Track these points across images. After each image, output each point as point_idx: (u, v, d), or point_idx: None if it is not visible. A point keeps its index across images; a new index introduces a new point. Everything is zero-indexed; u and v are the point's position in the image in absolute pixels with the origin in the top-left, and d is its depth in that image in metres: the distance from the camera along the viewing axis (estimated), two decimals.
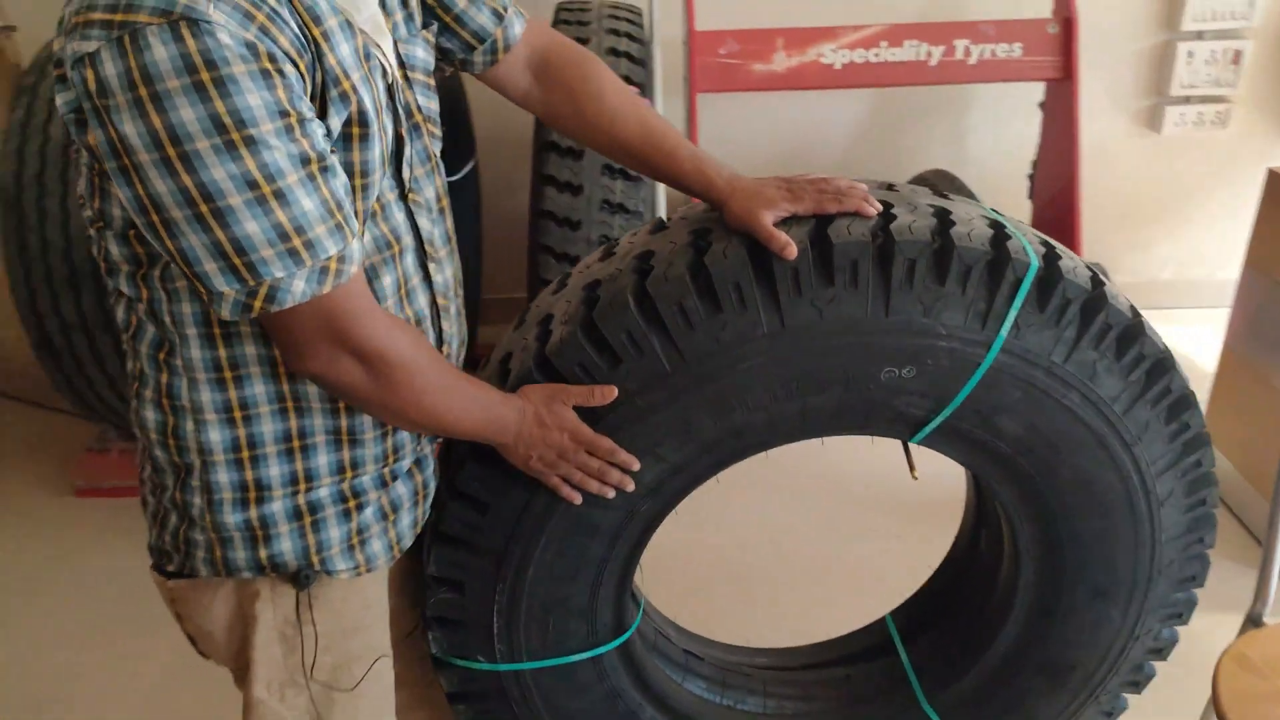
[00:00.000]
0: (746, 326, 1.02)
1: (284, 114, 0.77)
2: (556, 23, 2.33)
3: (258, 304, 0.82)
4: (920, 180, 2.86)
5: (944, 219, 1.05)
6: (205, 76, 0.73)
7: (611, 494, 1.07)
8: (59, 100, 0.79)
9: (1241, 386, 2.20)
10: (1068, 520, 1.17)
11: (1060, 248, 1.12)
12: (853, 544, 2.25)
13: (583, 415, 1.04)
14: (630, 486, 1.07)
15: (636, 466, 1.06)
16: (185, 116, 0.74)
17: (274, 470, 0.96)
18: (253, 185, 0.77)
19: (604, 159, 2.04)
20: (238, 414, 0.94)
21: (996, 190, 2.99)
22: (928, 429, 1.11)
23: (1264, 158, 2.92)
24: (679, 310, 1.01)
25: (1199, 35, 2.91)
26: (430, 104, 1.02)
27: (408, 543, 1.08)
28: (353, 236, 0.85)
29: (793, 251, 1.00)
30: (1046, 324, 1.04)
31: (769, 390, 1.05)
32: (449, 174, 2.69)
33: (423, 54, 1.01)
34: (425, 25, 1.03)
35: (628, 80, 2.14)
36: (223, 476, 0.95)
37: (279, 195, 0.78)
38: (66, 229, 2.07)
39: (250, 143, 0.76)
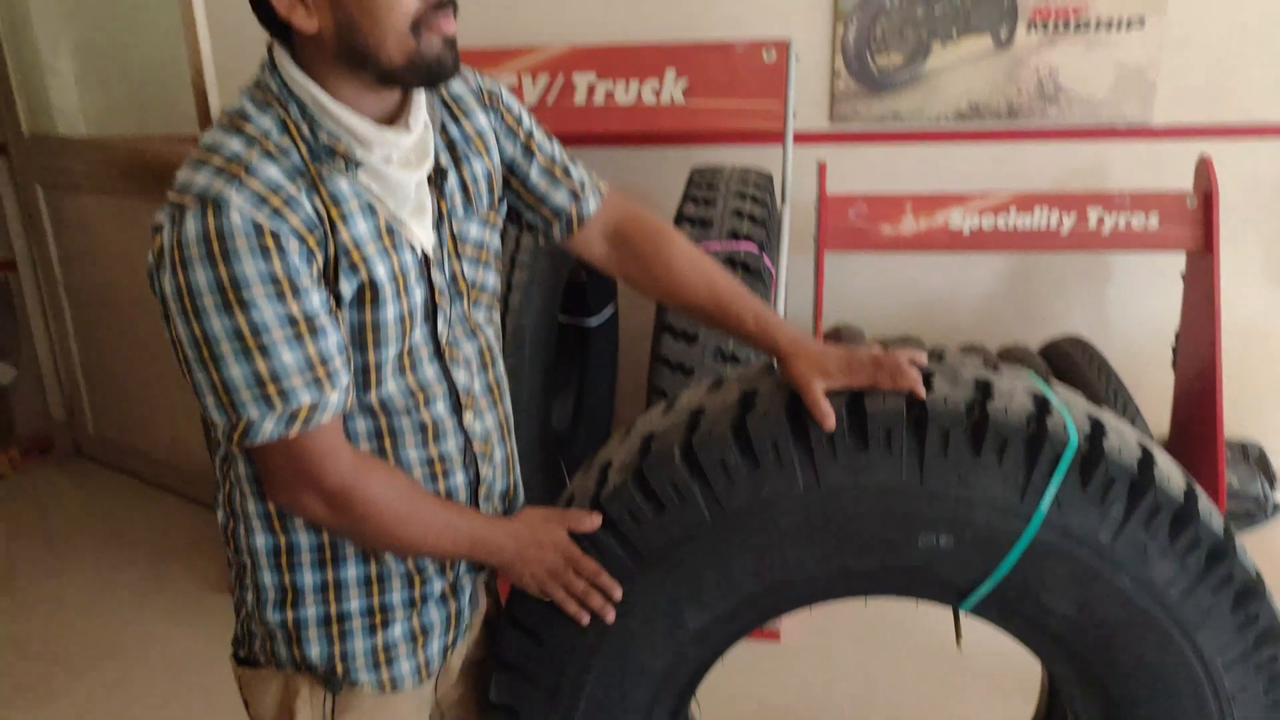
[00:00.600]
0: (784, 484, 1.08)
1: (275, 281, 0.92)
2: (689, 184, 2.53)
3: (235, 436, 0.96)
4: (1053, 347, 2.83)
5: (984, 391, 1.09)
6: (216, 248, 0.90)
7: (585, 618, 1.12)
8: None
9: None
10: (1131, 706, 1.13)
11: (1114, 426, 1.12)
12: (931, 707, 2.16)
13: (625, 554, 1.12)
14: (610, 616, 1.12)
15: (618, 594, 1.11)
16: (198, 277, 0.91)
17: (308, 577, 1.09)
18: (240, 337, 0.92)
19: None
20: (276, 523, 1.08)
21: (1139, 360, 2.92)
22: (973, 599, 1.12)
23: None
24: (720, 465, 1.08)
25: None
26: (479, 274, 1.14)
27: (436, 666, 1.16)
28: (333, 390, 0.97)
29: (831, 424, 1.06)
30: (1090, 502, 1.04)
31: (808, 548, 1.10)
32: (591, 317, 2.92)
33: (476, 232, 1.13)
34: (494, 205, 1.15)
35: (747, 238, 2.28)
36: (267, 578, 1.09)
37: (261, 348, 0.93)
38: None
39: (242, 303, 0.91)
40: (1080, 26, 2.82)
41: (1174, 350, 2.78)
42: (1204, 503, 1.09)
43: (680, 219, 2.38)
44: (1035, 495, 1.05)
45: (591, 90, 2.80)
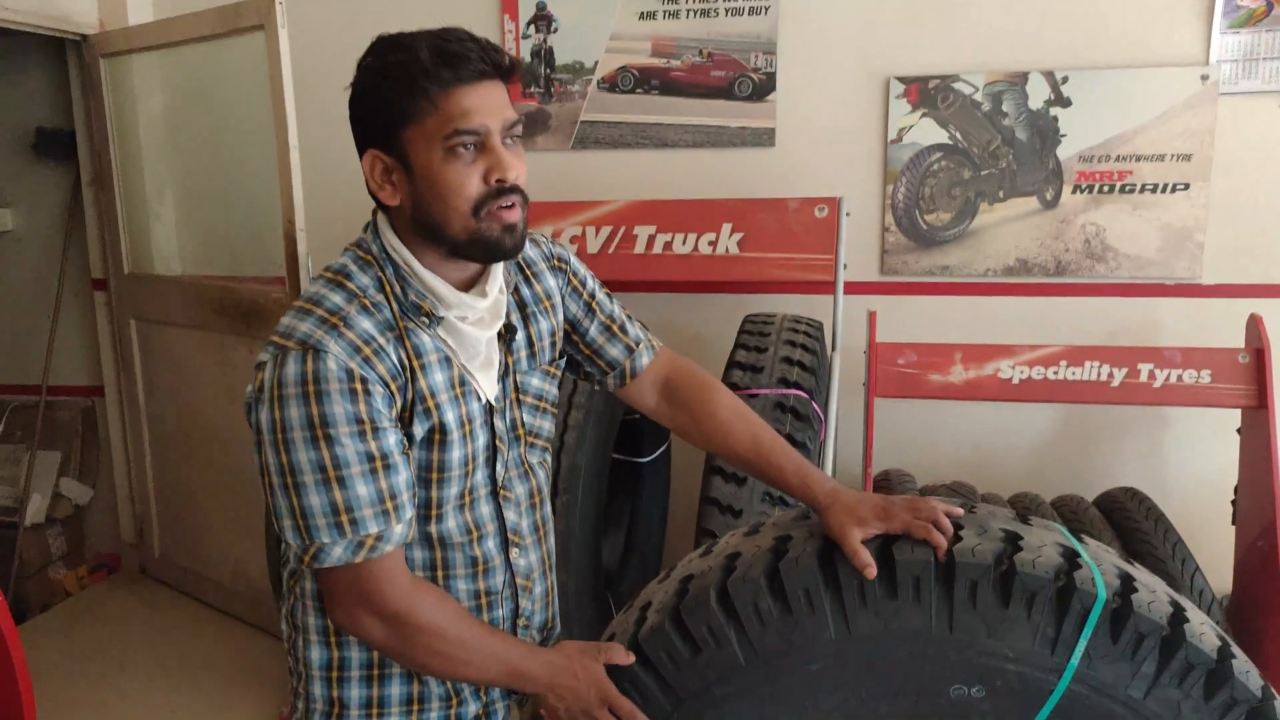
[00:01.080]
0: (815, 630, 1.11)
1: (358, 421, 1.03)
2: (742, 331, 2.63)
3: (307, 558, 1.06)
4: (1108, 499, 2.81)
5: (1012, 543, 1.12)
6: (311, 389, 1.02)
7: None
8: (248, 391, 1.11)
9: None
10: None
11: (1145, 581, 1.13)
12: None
13: (663, 694, 1.14)
14: None
15: None
16: (291, 413, 1.03)
17: (354, 692, 1.17)
18: (323, 469, 1.03)
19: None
20: (332, 638, 1.17)
21: (1197, 513, 2.87)
22: None
23: None
24: (754, 609, 1.12)
25: None
26: (537, 421, 1.25)
27: None
28: (398, 523, 1.07)
29: (873, 572, 1.10)
30: (1121, 656, 1.05)
31: (840, 694, 1.12)
32: (645, 456, 2.99)
33: (538, 384, 1.25)
34: (554, 360, 1.27)
35: (795, 385, 2.35)
36: (317, 689, 1.18)
37: (340, 480, 1.04)
38: None
39: (328, 439, 1.03)
40: (1125, 189, 2.92)
41: (1234, 505, 2.74)
42: (1240, 661, 1.09)
43: (732, 365, 2.46)
44: (1066, 649, 1.06)
45: (651, 241, 2.96)
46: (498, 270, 1.18)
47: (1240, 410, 2.70)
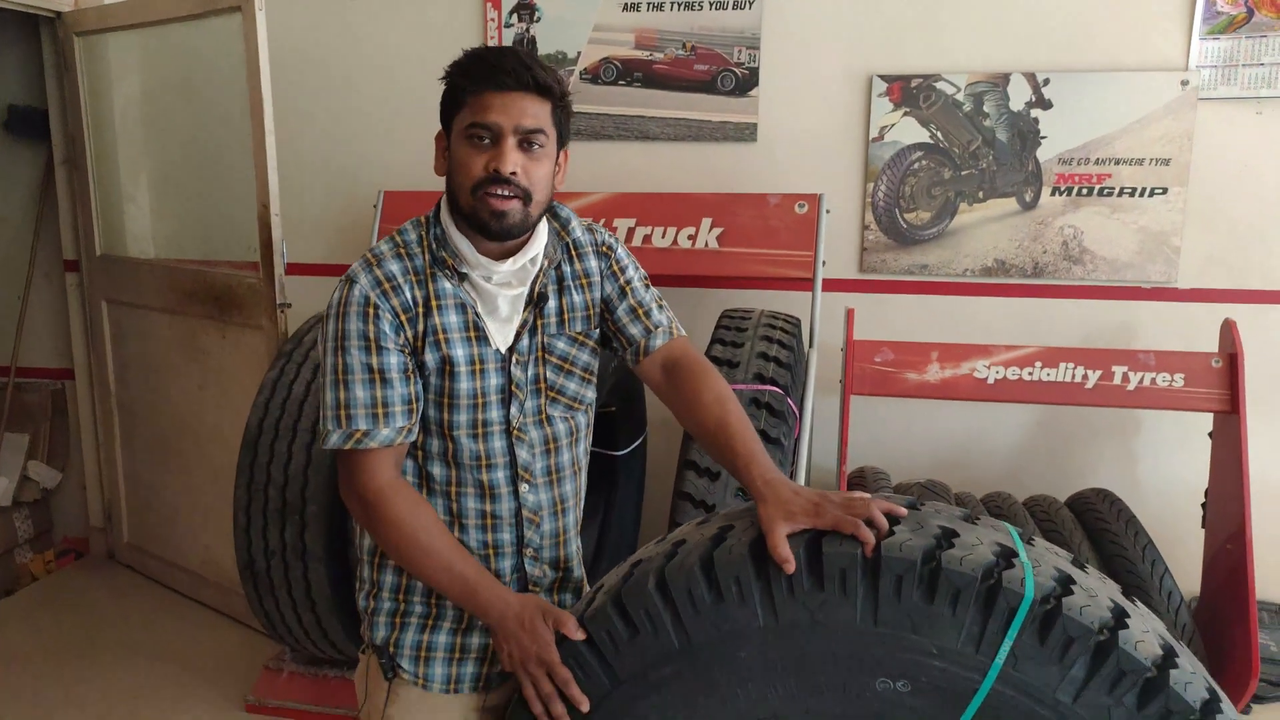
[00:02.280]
0: (745, 618, 1.12)
1: (365, 339, 1.29)
2: (718, 327, 2.62)
3: (319, 440, 1.33)
4: (1079, 500, 2.82)
5: (946, 540, 1.12)
6: (339, 309, 1.31)
7: None
8: None
9: None
10: None
11: (1088, 584, 1.12)
12: None
13: (603, 673, 1.17)
14: (584, 706, 1.18)
15: (585, 706, 1.18)
16: (327, 326, 1.32)
17: (389, 577, 1.40)
18: (336, 371, 1.30)
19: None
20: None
21: (1168, 516, 2.90)
22: None
23: None
24: (688, 596, 1.14)
25: None
26: (560, 380, 1.42)
27: (466, 689, 1.39)
28: (385, 426, 1.29)
29: (790, 567, 1.11)
30: (1048, 659, 1.04)
31: (768, 684, 1.13)
32: (620, 449, 2.98)
33: (563, 347, 1.42)
34: (586, 330, 1.44)
35: (771, 381, 2.34)
36: (365, 571, 1.43)
37: (345, 383, 1.30)
38: (288, 468, 2.45)
39: (343, 349, 1.29)
40: (1103, 192, 2.93)
41: (1204, 508, 2.76)
42: (1182, 672, 1.07)
43: (708, 359, 2.46)
44: (991, 648, 1.06)
45: (630, 233, 2.94)
46: (534, 247, 1.37)
47: (1212, 414, 2.72)
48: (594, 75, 3.20)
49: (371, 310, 1.28)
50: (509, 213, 1.29)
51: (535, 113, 1.30)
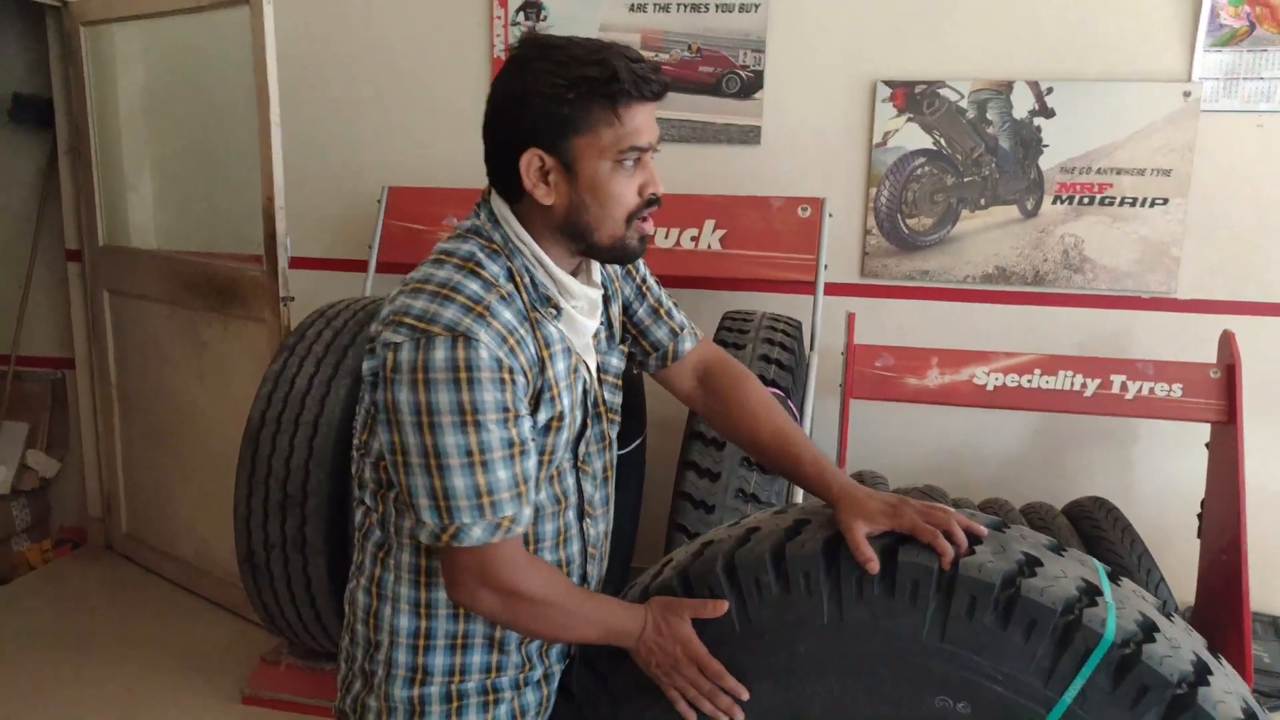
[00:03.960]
0: (809, 613, 1.12)
1: (505, 410, 1.08)
2: (720, 328, 2.63)
3: (445, 537, 1.09)
4: (1075, 507, 2.84)
5: (1028, 568, 1.09)
6: (463, 375, 1.05)
7: (692, 716, 1.17)
8: (365, 365, 1.13)
9: None
10: None
11: (1172, 635, 1.09)
12: None
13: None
14: (739, 716, 1.16)
15: (745, 695, 1.16)
16: (441, 398, 1.05)
17: (439, 660, 1.22)
18: (469, 454, 1.07)
19: (743, 452, 2.24)
20: (423, 610, 1.21)
21: (1164, 526, 2.91)
22: None
23: None
24: (755, 583, 1.15)
25: None
26: (614, 399, 1.32)
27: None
28: (527, 505, 1.12)
29: (875, 567, 1.11)
30: (1119, 705, 1.02)
31: (824, 683, 1.13)
32: (620, 449, 2.98)
33: (616, 362, 1.32)
34: (622, 340, 1.35)
35: (772, 383, 2.35)
36: (401, 656, 1.22)
37: (485, 465, 1.07)
38: (289, 461, 2.46)
39: (477, 425, 1.06)
40: (1105, 202, 2.95)
41: (1200, 518, 2.78)
42: None
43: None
44: (1060, 684, 1.04)
45: None
46: (597, 268, 1.26)
47: (1210, 425, 2.73)
48: None
49: (507, 376, 1.07)
50: (649, 233, 1.20)
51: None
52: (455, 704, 1.22)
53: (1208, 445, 2.77)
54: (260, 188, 2.83)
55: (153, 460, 3.47)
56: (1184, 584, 2.78)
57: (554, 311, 1.17)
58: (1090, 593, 1.09)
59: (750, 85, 3.11)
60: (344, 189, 3.43)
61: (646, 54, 3.14)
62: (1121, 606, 1.09)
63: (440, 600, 1.20)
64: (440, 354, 1.05)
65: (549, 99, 1.10)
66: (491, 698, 1.24)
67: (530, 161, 1.13)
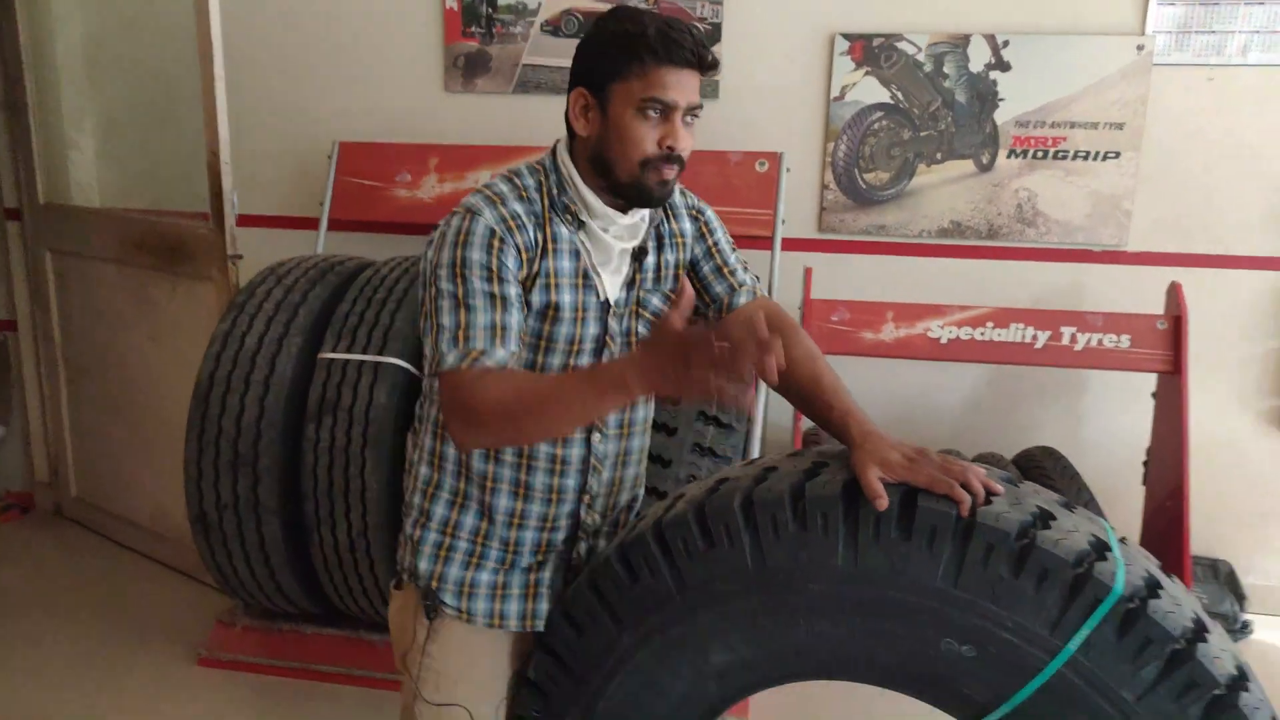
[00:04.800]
0: (824, 553, 1.14)
1: (488, 269, 1.29)
2: None
3: (433, 363, 1.29)
4: (1025, 457, 2.89)
5: (1043, 520, 1.11)
6: (462, 238, 1.30)
7: (751, 387, 1.04)
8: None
9: None
10: None
11: (1175, 594, 1.12)
12: None
13: (670, 576, 1.22)
14: (774, 367, 1.02)
15: (768, 376, 1.04)
16: (444, 254, 1.30)
17: (439, 510, 1.43)
18: (456, 298, 1.28)
19: (699, 408, 2.25)
20: (436, 460, 1.43)
21: (1110, 474, 2.98)
22: None
23: None
24: (771, 521, 1.16)
25: None
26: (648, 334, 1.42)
27: (511, 625, 1.41)
28: (502, 348, 1.27)
29: (883, 504, 1.13)
30: (1122, 656, 1.05)
31: (833, 620, 1.14)
32: None
33: (656, 303, 1.45)
34: (675, 288, 1.46)
35: None
36: (416, 499, 1.45)
37: (468, 308, 1.28)
38: (240, 420, 2.42)
39: (464, 278, 1.29)
40: (1058, 155, 2.97)
41: (1145, 466, 2.84)
42: (1253, 695, 1.07)
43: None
44: (1066, 632, 1.06)
45: None
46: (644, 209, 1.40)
47: (1156, 375, 2.79)
48: (555, 27, 3.15)
49: (497, 243, 1.29)
50: (671, 182, 1.35)
51: (699, 89, 1.33)
52: (444, 553, 1.42)
53: (1154, 395, 2.83)
54: (205, 142, 2.75)
55: (102, 423, 3.40)
56: (1129, 530, 2.85)
57: (570, 218, 1.36)
58: (1100, 548, 1.12)
59: (709, 38, 3.07)
60: (294, 144, 3.35)
61: (603, 6, 3.09)
62: (1130, 563, 1.12)
63: (450, 455, 1.41)
64: (454, 224, 1.31)
65: (599, 48, 1.32)
66: (475, 561, 1.41)
67: (577, 97, 1.35)
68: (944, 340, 2.77)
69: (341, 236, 3.20)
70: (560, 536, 1.44)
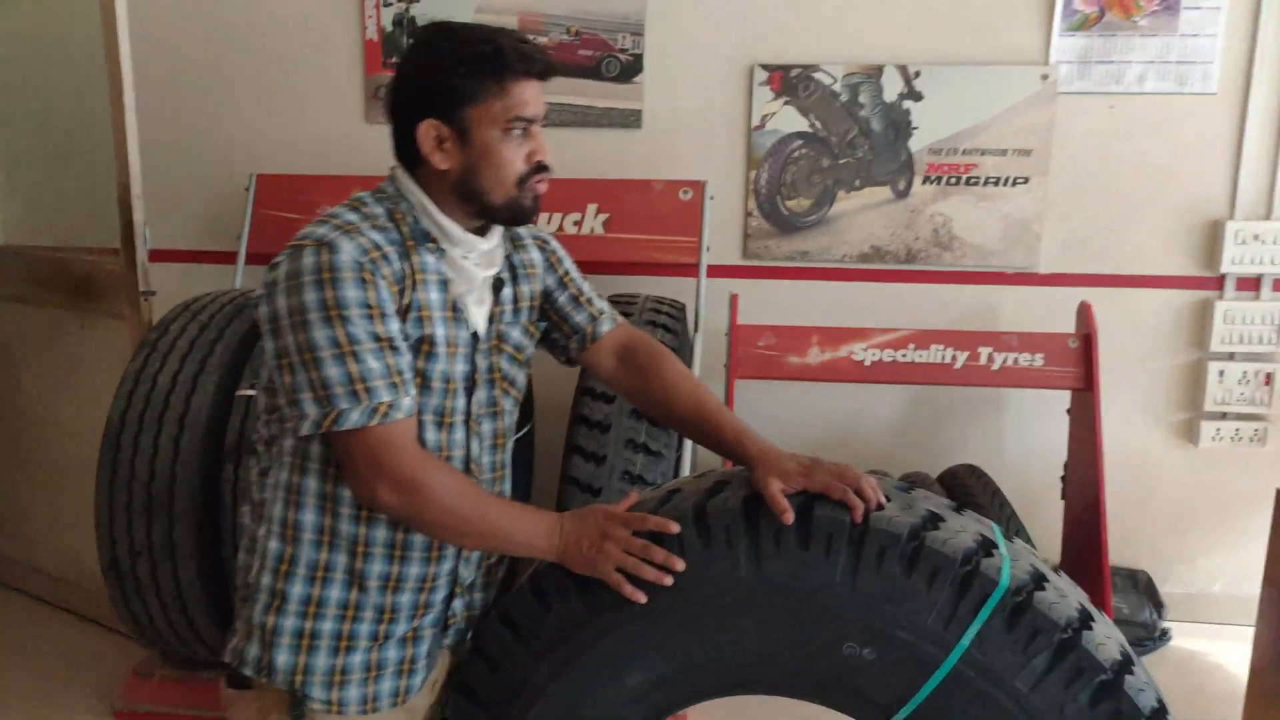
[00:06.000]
0: (729, 566, 1.16)
1: (368, 306, 1.17)
2: None
3: (326, 423, 1.17)
4: (949, 475, 2.95)
5: (931, 523, 1.16)
6: (326, 276, 1.16)
7: (668, 579, 1.17)
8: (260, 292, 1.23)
9: (1272, 716, 2.10)
10: None
11: (1059, 586, 1.17)
12: None
13: (580, 600, 1.22)
14: (679, 565, 1.17)
15: (676, 529, 1.19)
16: (308, 297, 1.16)
17: (297, 589, 1.26)
18: (338, 345, 1.16)
19: (631, 405, 2.25)
20: (290, 532, 1.26)
21: (1030, 489, 3.05)
22: None
23: None
24: (677, 538, 1.17)
25: (1230, 356, 3.03)
26: (511, 370, 1.38)
27: (384, 706, 1.29)
28: (405, 395, 1.19)
29: (790, 518, 1.16)
30: (1013, 647, 1.09)
31: (742, 632, 1.16)
32: None
33: (517, 336, 1.39)
34: (534, 320, 1.42)
35: None
36: (265, 580, 1.27)
37: (355, 355, 1.16)
38: (153, 463, 2.34)
39: (343, 320, 1.16)
40: (970, 181, 3.06)
41: (1063, 480, 2.92)
42: (1137, 679, 1.11)
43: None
44: (959, 628, 1.10)
45: None
46: (497, 229, 1.34)
47: (1070, 392, 2.88)
48: None
49: (368, 276, 1.17)
50: (540, 195, 1.31)
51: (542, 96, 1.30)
52: (307, 641, 1.25)
53: (1069, 411, 2.92)
54: (115, 176, 2.67)
55: (9, 467, 3.24)
56: (1051, 543, 2.92)
57: (433, 246, 1.27)
58: (987, 546, 1.16)
59: (630, 68, 3.11)
60: (210, 177, 3.27)
61: (536, 38, 3.11)
62: (1015, 559, 1.17)
63: (305, 523, 1.25)
64: (308, 260, 1.17)
65: (446, 73, 1.23)
66: (344, 644, 1.26)
67: (427, 130, 1.25)
68: (868, 363, 2.82)
69: (260, 271, 3.12)
70: (439, 595, 1.33)
